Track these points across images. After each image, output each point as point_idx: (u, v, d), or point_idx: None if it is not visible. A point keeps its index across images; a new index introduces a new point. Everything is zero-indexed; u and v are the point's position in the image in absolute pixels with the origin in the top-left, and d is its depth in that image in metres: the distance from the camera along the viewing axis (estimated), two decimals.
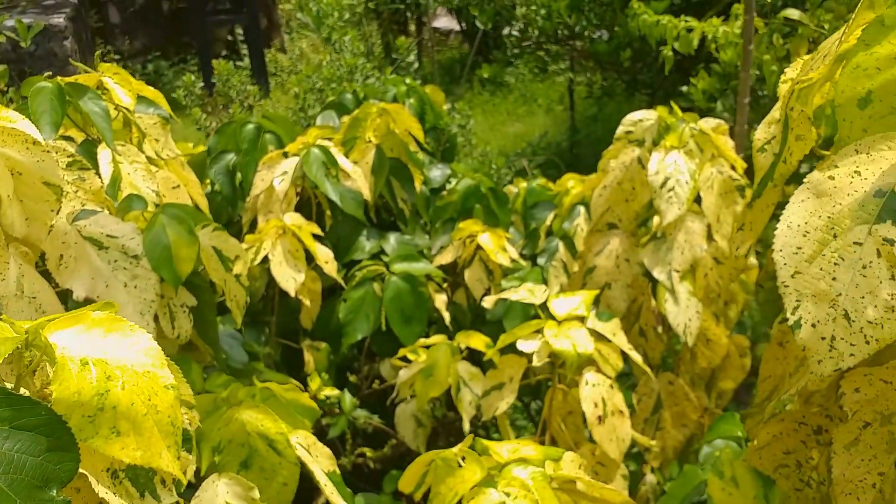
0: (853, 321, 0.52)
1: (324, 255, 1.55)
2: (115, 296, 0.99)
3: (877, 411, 0.61)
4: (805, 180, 0.57)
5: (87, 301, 0.97)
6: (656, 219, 1.34)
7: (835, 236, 0.54)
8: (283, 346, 1.71)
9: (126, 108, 1.24)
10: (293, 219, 1.54)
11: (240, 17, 5.41)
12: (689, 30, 2.08)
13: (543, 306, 1.08)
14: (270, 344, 1.66)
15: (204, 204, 1.35)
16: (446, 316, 1.62)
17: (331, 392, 1.50)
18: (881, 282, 0.52)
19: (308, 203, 1.73)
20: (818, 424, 0.68)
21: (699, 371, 1.39)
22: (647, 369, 1.18)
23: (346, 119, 1.81)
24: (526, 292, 1.13)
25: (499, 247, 1.63)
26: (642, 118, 1.40)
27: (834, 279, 0.53)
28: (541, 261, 1.71)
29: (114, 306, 0.65)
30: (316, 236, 1.58)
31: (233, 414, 0.95)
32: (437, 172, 2.06)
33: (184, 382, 0.68)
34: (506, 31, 4.06)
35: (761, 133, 0.67)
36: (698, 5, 2.91)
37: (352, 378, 1.66)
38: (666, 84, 3.52)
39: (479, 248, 1.65)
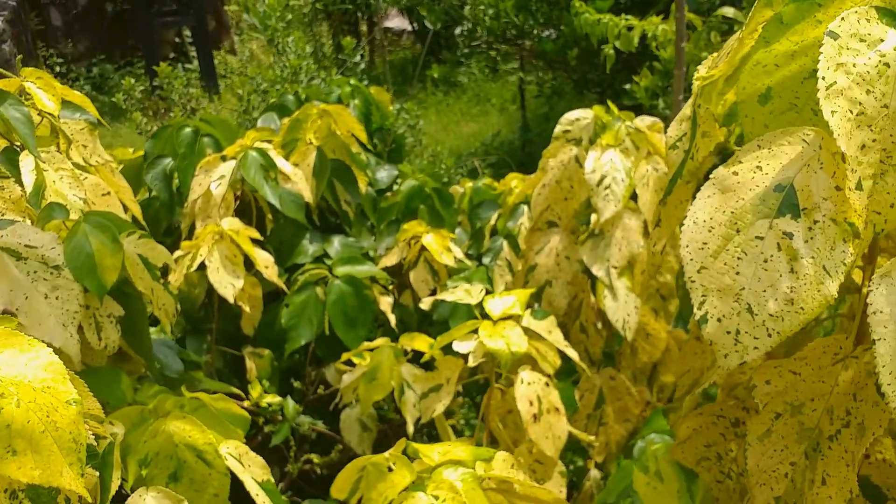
0: (756, 314, 0.53)
1: (263, 259, 1.52)
2: (36, 308, 0.95)
3: (787, 402, 0.62)
4: (711, 176, 0.58)
5: (6, 314, 0.94)
6: (594, 216, 1.35)
7: (738, 231, 0.55)
8: (226, 354, 1.68)
9: (50, 114, 1.20)
10: (231, 223, 1.52)
11: (186, 18, 5.31)
12: (630, 28, 2.10)
13: (480, 306, 1.08)
14: (212, 352, 1.63)
15: (137, 210, 1.32)
16: (392, 318, 1.61)
17: (273, 399, 1.47)
18: (781, 275, 0.52)
19: (249, 207, 1.70)
20: (735, 417, 0.69)
21: (640, 366, 1.40)
22: (584, 366, 1.18)
23: (286, 121, 1.78)
24: (462, 293, 1.12)
25: (443, 247, 1.62)
26: (579, 117, 1.41)
27: (737, 273, 0.54)
28: (486, 260, 1.71)
29: (12, 320, 0.63)
30: (256, 241, 1.55)
31: (160, 426, 0.92)
32: (383, 173, 2.05)
33: (89, 396, 0.66)
34: (458, 30, 4.07)
35: (672, 130, 0.67)
36: (642, 4, 2.94)
37: (297, 384, 1.63)
38: (615, 82, 3.57)
39: (423, 249, 1.64)
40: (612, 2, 2.69)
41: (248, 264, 1.52)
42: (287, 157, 1.71)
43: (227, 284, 1.45)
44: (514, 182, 1.76)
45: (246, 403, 1.48)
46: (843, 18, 0.51)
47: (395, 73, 5.34)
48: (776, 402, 0.62)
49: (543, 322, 1.08)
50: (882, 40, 0.51)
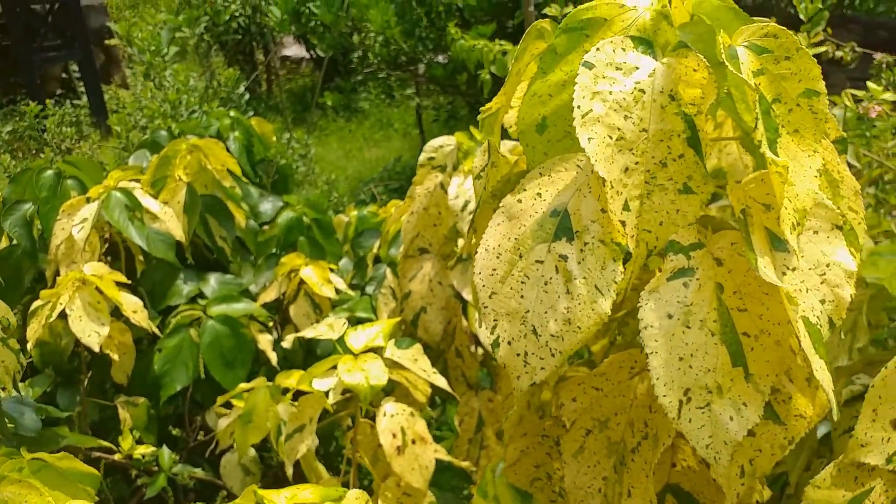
0: (540, 336, 0.54)
1: (131, 304, 1.46)
2: None
3: (594, 418, 0.63)
4: (500, 204, 0.59)
5: None
6: (461, 241, 1.36)
7: (521, 256, 0.56)
8: (101, 405, 1.60)
9: None
10: (94, 268, 1.45)
11: (72, 53, 5.12)
12: (504, 53, 2.15)
13: (342, 340, 1.07)
14: (83, 404, 1.55)
15: None
16: (272, 356, 1.57)
17: (146, 450, 1.41)
18: (559, 296, 0.54)
19: (118, 249, 1.64)
20: (557, 435, 0.70)
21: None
22: (452, 391, 1.19)
23: (154, 158, 1.73)
24: (325, 328, 1.11)
25: (323, 279, 1.60)
26: (442, 144, 1.43)
27: (522, 297, 0.55)
28: (370, 289, 1.70)
29: None
30: (124, 284, 1.49)
31: None
32: (267, 205, 2.02)
33: None
34: (353, 57, 4.07)
35: (477, 160, 0.69)
36: (522, 31, 3.03)
37: (176, 431, 1.57)
38: None
39: (303, 282, 1.62)
40: (494, 29, 2.76)
41: (118, 310, 1.46)
42: (156, 196, 1.65)
43: (91, 333, 1.39)
44: (394, 209, 1.77)
45: (117, 456, 1.41)
46: (598, 48, 0.53)
47: (295, 100, 5.30)
48: (584, 419, 0.63)
49: (409, 351, 1.08)
50: (637, 68, 0.54)
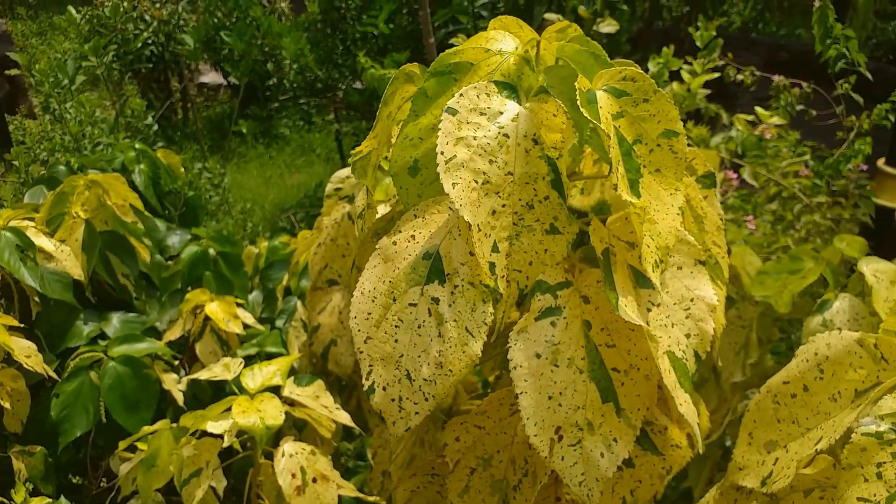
0: (413, 380, 0.54)
1: (23, 348, 1.39)
2: None
3: (478, 456, 0.63)
4: (377, 246, 0.59)
5: None
6: None
7: (394, 300, 0.56)
8: None
9: None
10: None
11: None
12: None
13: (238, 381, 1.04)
14: None
15: None
16: (178, 396, 1.51)
17: (42, 502, 1.33)
18: (432, 340, 0.54)
19: (11, 291, 1.56)
20: (445, 475, 0.70)
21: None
22: (356, 426, 1.17)
23: (50, 195, 1.66)
24: (220, 368, 1.08)
25: (229, 315, 1.56)
26: (349, 175, 1.42)
27: (396, 341, 0.55)
28: (280, 322, 1.67)
29: None
30: (17, 328, 1.41)
31: None
32: (175, 239, 1.96)
33: None
34: (269, 83, 4.02)
35: (359, 199, 0.69)
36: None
37: (77, 480, 1.49)
38: None
39: (208, 318, 1.57)
40: (408, 57, 2.78)
41: (10, 356, 1.38)
42: (52, 234, 1.58)
43: None
44: (302, 240, 1.74)
45: None
46: (461, 94, 0.54)
47: (213, 128, 5.20)
48: (469, 458, 0.63)
49: (309, 388, 1.06)
50: (502, 113, 0.55)
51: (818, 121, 2.74)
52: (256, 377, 1.03)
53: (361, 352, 0.56)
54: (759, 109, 1.88)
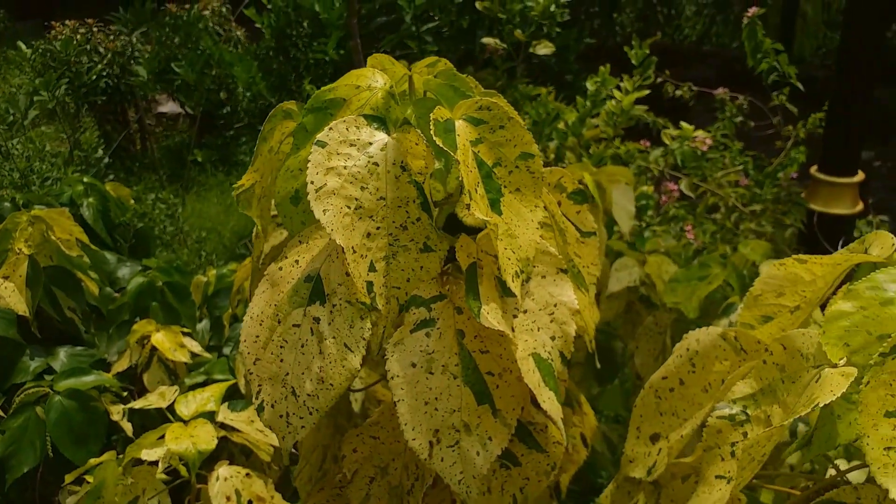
0: (298, 396, 0.58)
1: None
2: None
3: (375, 466, 0.67)
4: (265, 273, 0.63)
5: None
6: None
7: (279, 322, 0.60)
8: None
9: None
10: None
11: None
12: None
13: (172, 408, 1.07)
14: None
15: None
16: (127, 427, 1.53)
17: None
18: (314, 357, 0.58)
19: None
20: None
21: None
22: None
23: None
24: (156, 397, 1.11)
25: (175, 344, 1.58)
26: None
27: (282, 361, 0.59)
28: (227, 350, 1.69)
29: None
30: None
31: None
32: (125, 271, 1.98)
33: None
34: (223, 112, 4.04)
35: (255, 229, 0.73)
36: None
37: None
38: None
39: (155, 348, 1.59)
40: None
41: None
42: None
43: None
44: (241, 269, 1.77)
45: None
46: (331, 128, 0.59)
47: (172, 157, 5.20)
48: (367, 467, 0.67)
49: (244, 413, 1.09)
50: (371, 143, 0.60)
51: (758, 131, 2.85)
52: (190, 404, 1.06)
53: (251, 373, 0.60)
54: (683, 124, 1.96)
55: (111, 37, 4.67)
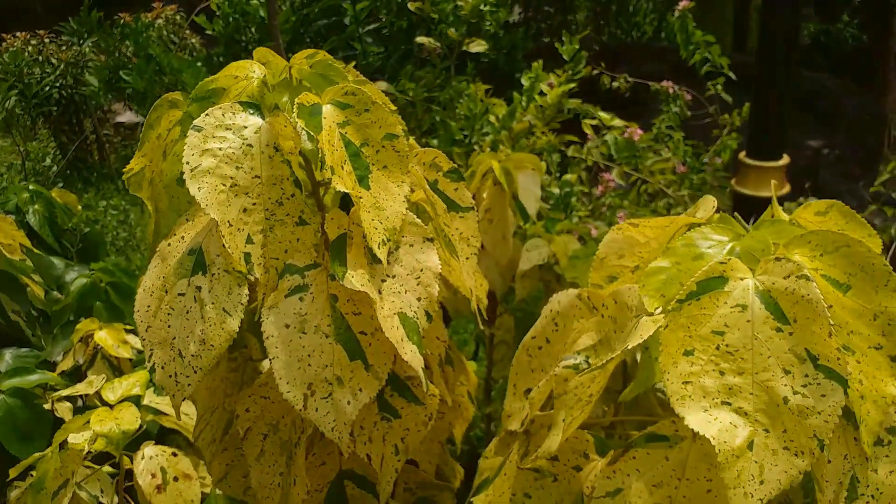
0: (184, 357, 0.64)
1: None
2: None
3: (268, 423, 0.74)
4: (157, 249, 0.69)
5: None
6: None
7: (167, 292, 0.66)
8: None
9: None
10: None
11: None
12: None
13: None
14: None
15: None
16: (79, 439, 1.56)
17: None
18: (196, 322, 0.64)
19: None
20: None
21: None
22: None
23: None
24: (84, 385, 1.15)
25: (118, 341, 1.62)
26: None
27: (169, 326, 0.65)
28: None
29: None
30: None
31: None
32: (73, 275, 2.01)
33: None
34: None
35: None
36: None
37: None
38: None
39: (99, 346, 1.63)
40: None
41: None
42: None
43: None
44: None
45: None
46: (207, 114, 0.65)
47: None
48: (260, 425, 0.73)
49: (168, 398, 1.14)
50: (246, 127, 0.66)
51: (697, 120, 2.98)
52: (116, 390, 1.11)
53: (144, 339, 0.66)
54: (601, 114, 2.05)
55: (63, 47, 4.67)
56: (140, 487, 1.06)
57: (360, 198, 0.65)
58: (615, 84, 2.79)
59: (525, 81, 2.25)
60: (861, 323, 0.55)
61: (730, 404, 0.52)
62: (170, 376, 0.64)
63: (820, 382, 0.50)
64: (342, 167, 0.65)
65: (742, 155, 2.48)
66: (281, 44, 1.69)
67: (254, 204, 0.65)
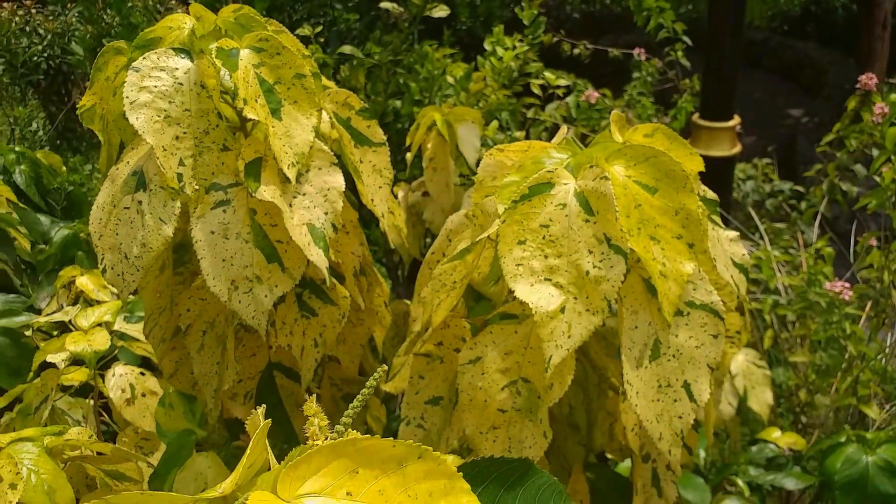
0: (129, 258, 0.77)
1: None
2: None
3: (206, 321, 0.88)
4: (108, 174, 0.82)
5: None
6: None
7: (115, 206, 0.79)
8: None
9: None
10: None
11: None
12: None
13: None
14: None
15: None
16: (56, 358, 1.71)
17: None
18: (138, 229, 0.77)
19: None
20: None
21: None
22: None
23: None
24: (60, 314, 1.29)
25: (99, 286, 1.76)
26: None
27: (117, 234, 0.79)
28: None
29: None
30: None
31: None
32: (58, 230, 2.14)
33: None
34: None
35: None
36: None
37: None
38: None
39: (82, 291, 1.77)
40: None
41: None
42: None
43: None
44: None
45: None
46: (144, 57, 0.78)
47: None
48: (199, 323, 0.87)
49: (140, 324, 1.28)
50: (177, 69, 0.79)
51: (662, 86, 3.10)
52: (90, 317, 1.25)
53: (97, 246, 0.80)
54: (547, 73, 2.17)
55: (50, 17, 4.74)
56: (112, 401, 1.21)
57: (272, 126, 0.78)
58: (576, 51, 2.91)
59: (487, 45, 2.37)
60: (666, 218, 0.69)
61: (550, 280, 0.66)
62: (118, 275, 0.78)
63: (610, 257, 0.64)
64: (256, 101, 0.78)
65: (695, 117, 2.61)
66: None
67: (184, 133, 0.78)
